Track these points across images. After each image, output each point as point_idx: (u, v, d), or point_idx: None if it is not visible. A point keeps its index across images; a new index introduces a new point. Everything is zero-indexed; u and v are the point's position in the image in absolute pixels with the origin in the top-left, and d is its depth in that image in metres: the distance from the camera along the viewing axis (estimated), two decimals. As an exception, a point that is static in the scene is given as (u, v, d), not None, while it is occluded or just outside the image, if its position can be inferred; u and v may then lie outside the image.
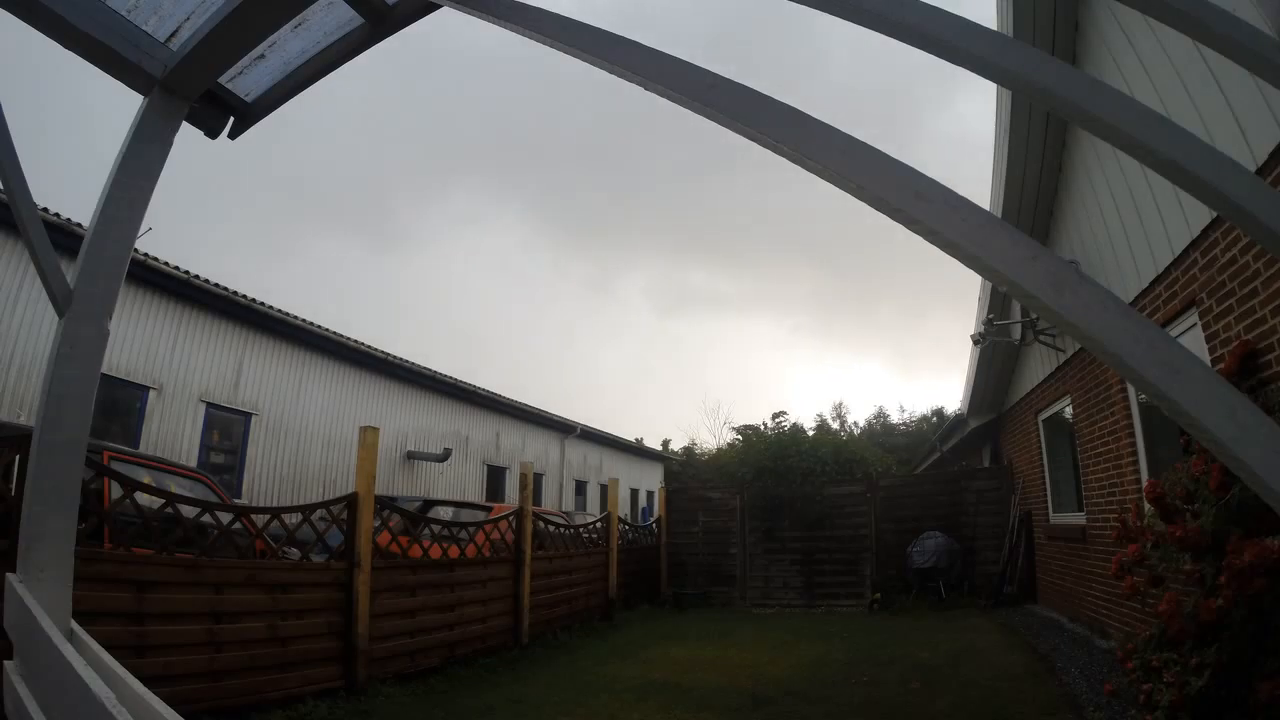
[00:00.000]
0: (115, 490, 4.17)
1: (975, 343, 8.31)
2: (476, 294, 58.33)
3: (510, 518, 7.10)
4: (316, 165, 52.13)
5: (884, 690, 4.88)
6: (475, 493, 15.87)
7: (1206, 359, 3.58)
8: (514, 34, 1.11)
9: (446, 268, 58.59)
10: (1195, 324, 3.83)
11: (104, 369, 2.11)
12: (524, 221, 57.77)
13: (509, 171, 56.95)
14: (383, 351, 13.29)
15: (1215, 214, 3.41)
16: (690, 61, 0.92)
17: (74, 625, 1.78)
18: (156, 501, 4.22)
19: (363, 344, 12.79)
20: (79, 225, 7.45)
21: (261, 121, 2.29)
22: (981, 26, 0.82)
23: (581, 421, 20.67)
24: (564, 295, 60.12)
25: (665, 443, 37.62)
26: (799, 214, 55.30)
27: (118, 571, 3.69)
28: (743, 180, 53.33)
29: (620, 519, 9.91)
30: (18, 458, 3.41)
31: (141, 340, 9.04)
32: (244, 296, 10.31)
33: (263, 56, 2.06)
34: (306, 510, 4.97)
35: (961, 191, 0.72)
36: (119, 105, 2.20)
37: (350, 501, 5.10)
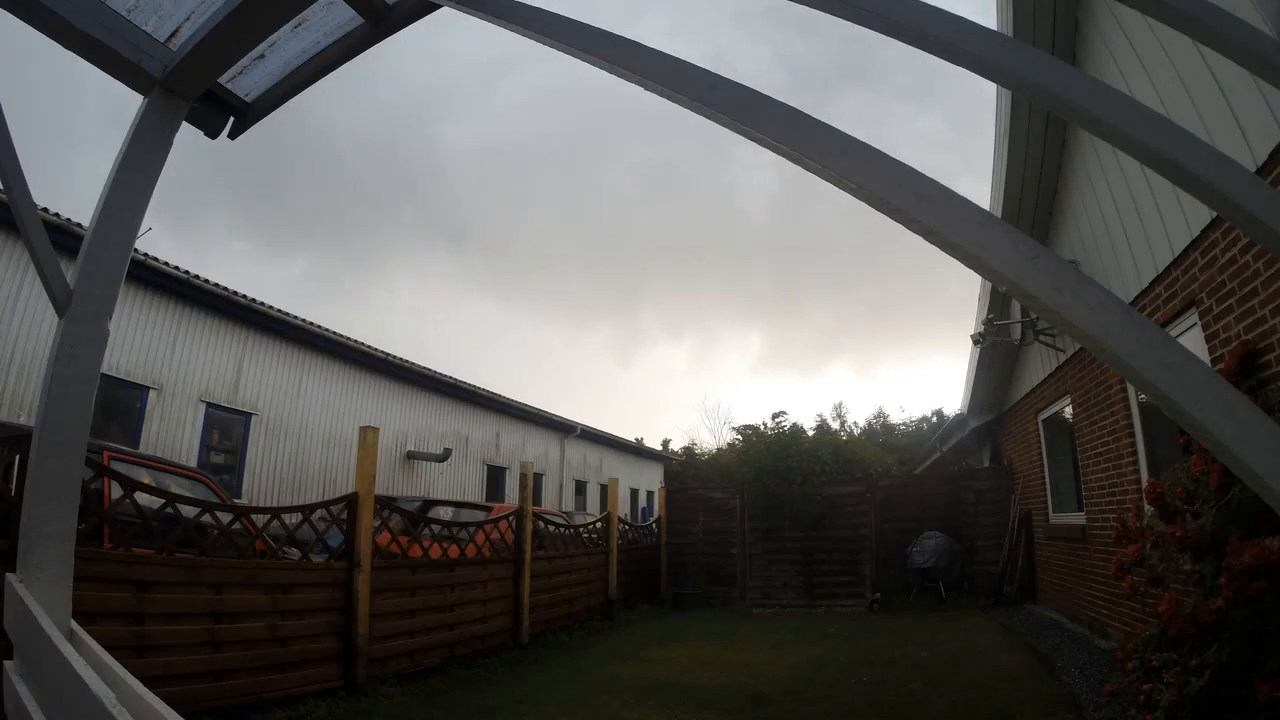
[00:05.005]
0: (115, 490, 4.18)
1: (975, 343, 8.31)
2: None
3: (510, 518, 7.10)
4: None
5: (884, 690, 4.88)
6: (475, 493, 15.86)
7: (1206, 359, 3.57)
8: (517, 34, 1.11)
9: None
10: (1195, 324, 3.82)
11: (104, 369, 2.11)
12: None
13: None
14: (382, 351, 13.28)
15: (1215, 214, 3.41)
16: (690, 61, 0.92)
17: (74, 625, 1.78)
18: (156, 501, 4.22)
19: (362, 344, 12.79)
20: (79, 225, 7.44)
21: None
22: (981, 26, 0.82)
23: (581, 421, 20.67)
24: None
25: (665, 443, 37.58)
26: (801, 212, 55.28)
27: (118, 571, 3.69)
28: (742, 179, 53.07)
29: (620, 519, 9.91)
30: (18, 458, 3.42)
31: (141, 340, 9.03)
32: (244, 296, 10.31)
33: (263, 56, 2.07)
34: (306, 510, 4.97)
35: (961, 191, 0.72)
36: (119, 105, 2.20)
37: (350, 501, 5.10)
